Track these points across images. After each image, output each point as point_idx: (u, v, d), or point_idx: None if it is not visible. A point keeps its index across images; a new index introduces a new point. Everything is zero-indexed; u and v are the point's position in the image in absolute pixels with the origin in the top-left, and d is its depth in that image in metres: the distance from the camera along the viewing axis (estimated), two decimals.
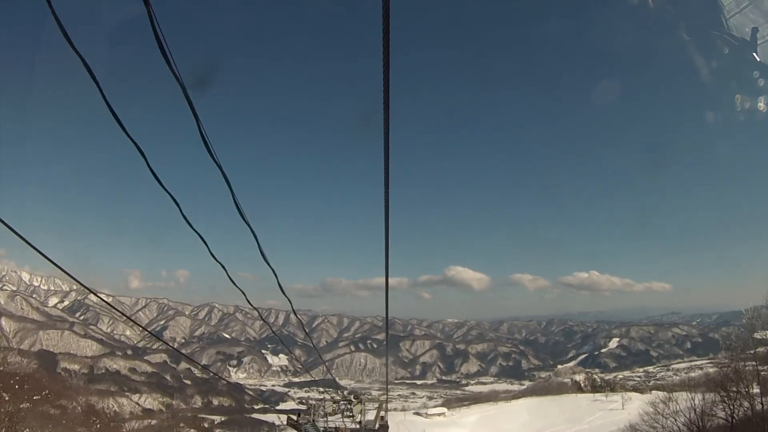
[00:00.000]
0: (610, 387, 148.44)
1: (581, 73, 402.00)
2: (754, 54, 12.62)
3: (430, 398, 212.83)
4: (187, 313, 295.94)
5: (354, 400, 22.15)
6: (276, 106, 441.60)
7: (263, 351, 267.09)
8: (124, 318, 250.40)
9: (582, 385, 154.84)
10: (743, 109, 15.20)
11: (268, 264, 9.29)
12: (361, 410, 22.08)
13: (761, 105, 14.25)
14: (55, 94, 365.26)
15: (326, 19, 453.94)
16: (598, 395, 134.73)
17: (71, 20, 4.71)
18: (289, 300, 12.66)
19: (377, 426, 23.61)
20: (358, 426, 22.57)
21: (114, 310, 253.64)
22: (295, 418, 23.26)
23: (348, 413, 23.15)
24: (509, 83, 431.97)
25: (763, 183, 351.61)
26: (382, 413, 24.69)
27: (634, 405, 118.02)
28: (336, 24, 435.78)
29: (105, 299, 14.58)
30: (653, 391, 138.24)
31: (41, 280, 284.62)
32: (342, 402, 22.96)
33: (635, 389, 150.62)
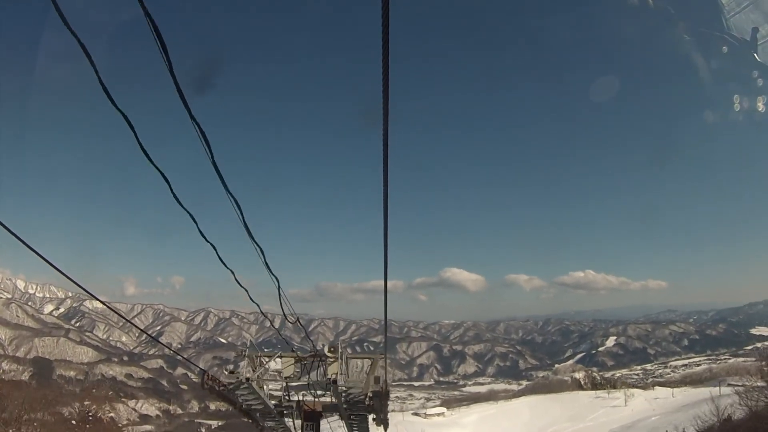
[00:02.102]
0: (611, 384, 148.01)
1: (580, 72, 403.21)
2: (755, 54, 12.57)
3: (428, 399, 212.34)
4: (182, 318, 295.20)
5: (329, 355, 13.97)
6: (271, 107, 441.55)
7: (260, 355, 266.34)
8: (120, 324, 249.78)
9: (582, 382, 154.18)
10: (742, 109, 15.15)
11: (254, 239, 9.04)
12: (340, 369, 13.72)
13: (760, 104, 14.20)
14: (52, 99, 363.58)
15: (325, 18, 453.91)
16: (599, 392, 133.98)
17: (74, 20, 4.61)
18: (275, 276, 12.19)
19: (370, 393, 15.11)
20: (333, 389, 14.13)
21: (114, 313, 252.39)
22: (228, 372, 13.96)
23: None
24: (508, 83, 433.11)
25: (759, 182, 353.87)
26: (378, 374, 15.69)
27: (637, 401, 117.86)
28: (335, 23, 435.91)
29: (104, 302, 14.25)
30: (656, 387, 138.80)
31: (36, 288, 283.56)
32: (309, 360, 14.90)
33: (634, 386, 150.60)
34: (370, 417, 18.15)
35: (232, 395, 14.57)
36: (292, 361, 15.21)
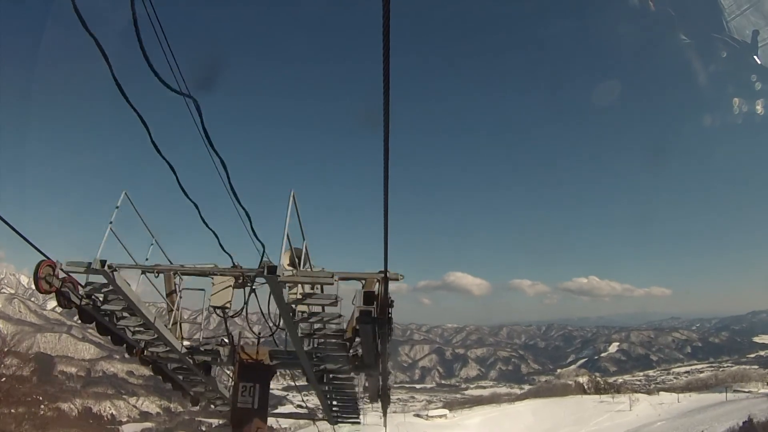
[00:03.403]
0: (615, 389, 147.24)
1: (581, 75, 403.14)
2: (755, 56, 12.52)
3: (429, 402, 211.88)
4: (185, 317, 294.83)
5: (288, 269, 7.81)
6: (273, 106, 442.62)
7: None
8: None
9: (585, 387, 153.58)
10: (742, 112, 15.07)
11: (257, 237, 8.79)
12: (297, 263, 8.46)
13: (759, 108, 14.15)
14: (54, 95, 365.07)
15: (326, 19, 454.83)
16: (604, 396, 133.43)
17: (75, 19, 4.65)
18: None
19: (354, 317, 8.46)
20: (272, 286, 7.71)
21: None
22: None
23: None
24: (510, 86, 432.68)
25: (762, 188, 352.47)
26: (374, 289, 8.38)
27: (642, 406, 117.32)
28: (336, 24, 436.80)
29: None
30: (661, 393, 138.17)
31: None
32: (252, 278, 8.76)
33: (638, 391, 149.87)
34: (359, 389, 11.12)
35: (105, 318, 8.48)
36: (231, 282, 8.98)
